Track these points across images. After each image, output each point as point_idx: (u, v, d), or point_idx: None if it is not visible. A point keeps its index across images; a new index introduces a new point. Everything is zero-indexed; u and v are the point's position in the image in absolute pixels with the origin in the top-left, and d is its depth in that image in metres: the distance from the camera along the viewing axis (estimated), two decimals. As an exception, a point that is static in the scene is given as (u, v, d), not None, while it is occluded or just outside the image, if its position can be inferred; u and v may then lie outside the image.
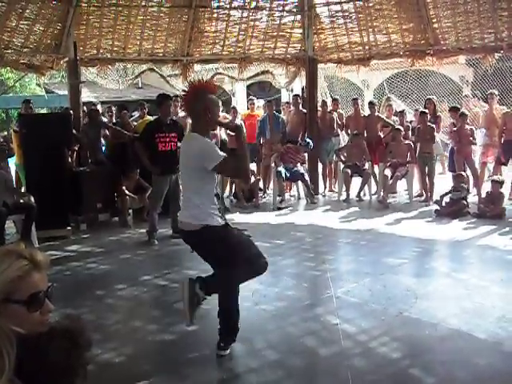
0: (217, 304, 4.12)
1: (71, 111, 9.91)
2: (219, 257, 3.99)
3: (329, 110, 11.77)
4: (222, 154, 3.90)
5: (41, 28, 10.27)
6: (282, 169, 10.42)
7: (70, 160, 9.41)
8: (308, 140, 10.94)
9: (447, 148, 11.37)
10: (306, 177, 10.56)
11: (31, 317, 1.55)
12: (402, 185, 10.98)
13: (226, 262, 3.95)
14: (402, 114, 11.40)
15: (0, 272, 1.52)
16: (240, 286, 4.13)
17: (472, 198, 9.60)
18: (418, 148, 10.39)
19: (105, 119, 10.81)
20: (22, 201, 7.93)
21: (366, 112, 11.67)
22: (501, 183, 9.15)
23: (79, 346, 1.59)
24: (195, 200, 3.97)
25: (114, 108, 11.38)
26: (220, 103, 4.01)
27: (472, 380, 3.71)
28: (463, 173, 9.50)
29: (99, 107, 12.06)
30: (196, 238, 3.98)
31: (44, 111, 18.48)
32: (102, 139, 10.14)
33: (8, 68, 11.65)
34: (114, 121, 10.79)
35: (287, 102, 13.84)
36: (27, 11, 9.96)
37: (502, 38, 10.17)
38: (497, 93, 10.81)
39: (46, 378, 1.50)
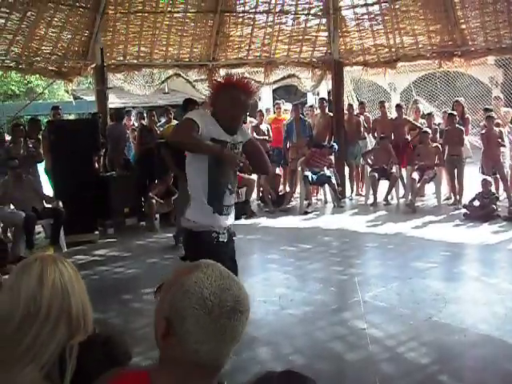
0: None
1: (99, 115, 10.02)
2: None
3: (355, 114, 11.71)
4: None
5: (69, 35, 10.43)
6: (308, 173, 10.37)
7: (97, 165, 9.50)
8: (333, 143, 10.89)
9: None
10: (333, 180, 10.49)
11: None
12: (430, 188, 10.86)
13: None
14: (430, 116, 11.28)
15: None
16: (267, 290, 4.09)
17: (502, 202, 9.44)
18: (446, 151, 10.26)
19: (136, 123, 10.94)
20: (50, 206, 8.03)
21: (393, 115, 11.57)
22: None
23: (117, 359, 1.59)
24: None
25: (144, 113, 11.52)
26: (248, 107, 3.61)
27: (503, 387, 3.64)
28: (489, 178, 9.34)
29: (133, 113, 12.23)
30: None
31: (72, 117, 18.73)
32: (129, 142, 10.25)
33: (37, 75, 11.80)
34: (143, 124, 10.88)
35: (311, 106, 13.79)
36: (55, 19, 10.11)
37: (532, 37, 9.99)
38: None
39: None
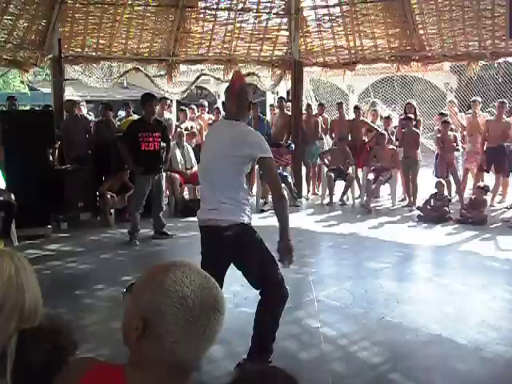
0: None
1: (51, 108, 9.81)
2: (258, 264, 3.66)
3: (314, 114, 11.79)
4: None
5: (25, 24, 10.12)
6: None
7: (51, 158, 9.30)
8: (290, 142, 10.94)
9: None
10: (290, 180, 10.53)
11: None
12: (385, 189, 11.01)
13: (265, 274, 3.64)
14: (388, 119, 11.46)
15: None
16: (222, 287, 4.06)
17: (454, 204, 9.65)
18: (401, 153, 10.43)
19: (90, 117, 10.73)
20: (1, 198, 7.82)
21: (351, 116, 11.69)
22: (485, 190, 9.24)
23: (63, 350, 1.56)
24: (230, 193, 3.62)
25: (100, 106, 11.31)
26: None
27: (452, 385, 3.71)
28: (443, 180, 9.53)
29: (83, 105, 11.98)
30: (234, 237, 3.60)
31: (27, 109, 18.29)
32: (86, 135, 10.07)
33: (-9, 64, 11.48)
34: (98, 119, 10.71)
35: (271, 105, 13.83)
36: (11, 6, 9.81)
37: (485, 46, 10.24)
38: (480, 100, 10.90)
39: (24, 378, 1.47)
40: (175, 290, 1.24)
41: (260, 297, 3.74)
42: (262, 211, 10.02)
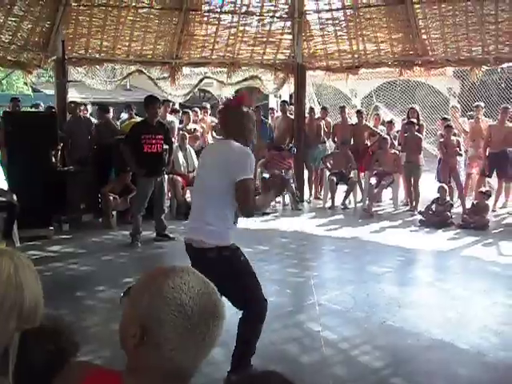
0: None
1: (53, 110, 9.83)
2: (242, 287, 3.58)
3: (317, 118, 11.79)
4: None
5: (29, 25, 10.16)
6: (266, 175, 10.39)
7: (54, 159, 9.31)
8: (292, 145, 10.95)
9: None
10: (292, 183, 10.53)
11: None
12: (387, 194, 11.00)
13: (250, 296, 3.60)
14: (390, 123, 11.46)
15: None
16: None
17: (456, 209, 9.64)
18: (404, 157, 10.43)
19: (94, 120, 10.74)
20: (4, 199, 7.83)
21: (354, 120, 11.70)
22: (487, 195, 9.24)
23: (65, 351, 1.56)
24: (216, 212, 3.54)
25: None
26: (254, 118, 3.78)
27: (453, 390, 3.70)
28: (445, 185, 9.52)
29: (89, 107, 12.00)
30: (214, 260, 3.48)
31: (30, 110, 18.27)
32: (88, 137, 10.08)
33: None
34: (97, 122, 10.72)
35: (271, 108, 13.83)
36: (15, 8, 9.85)
37: (489, 51, 10.25)
38: (483, 105, 10.90)
39: (26, 378, 1.47)
40: (173, 297, 1.22)
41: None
42: (264, 214, 10.02)
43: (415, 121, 10.52)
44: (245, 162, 3.47)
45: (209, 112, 12.78)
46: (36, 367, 1.49)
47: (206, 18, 11.56)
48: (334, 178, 10.60)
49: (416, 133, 10.30)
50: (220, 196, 3.51)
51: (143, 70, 11.58)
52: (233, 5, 11.45)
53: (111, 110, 10.94)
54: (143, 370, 1.26)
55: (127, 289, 1.34)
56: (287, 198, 10.94)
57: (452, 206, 9.41)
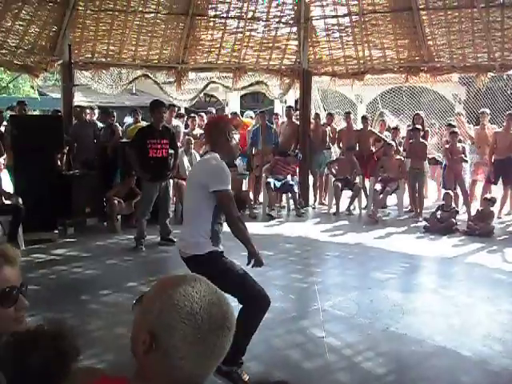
0: None
1: (60, 113, 9.87)
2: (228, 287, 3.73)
3: (322, 123, 11.80)
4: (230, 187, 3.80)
5: (36, 29, 10.24)
6: (271, 179, 10.41)
7: (59, 163, 9.34)
8: (297, 151, 10.96)
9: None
10: (295, 189, 10.53)
11: (5, 313, 1.53)
12: (392, 200, 10.99)
13: (240, 295, 3.69)
14: (396, 129, 11.46)
15: None
16: (226, 294, 4.04)
17: (461, 216, 9.62)
18: (408, 164, 10.42)
19: (100, 124, 10.79)
20: (9, 202, 7.86)
21: (359, 126, 11.70)
22: (492, 202, 9.22)
23: (66, 355, 1.56)
24: (195, 228, 3.81)
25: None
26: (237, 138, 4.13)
27: (456, 398, 3.69)
28: (451, 192, 9.51)
29: (96, 112, 12.04)
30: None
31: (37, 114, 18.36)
32: (94, 141, 10.13)
33: (1, 68, 11.57)
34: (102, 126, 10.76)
35: (275, 113, 13.84)
36: (23, 12, 9.92)
37: (494, 57, 10.26)
38: (488, 112, 10.88)
39: (25, 383, 1.47)
40: (184, 306, 1.22)
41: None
42: (269, 216, 10.04)
43: (420, 127, 10.51)
44: (219, 174, 3.76)
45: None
46: (36, 371, 1.48)
47: (212, 23, 11.60)
48: (339, 184, 10.59)
49: (421, 139, 10.29)
50: (198, 216, 3.82)
51: (149, 74, 11.63)
52: (239, 10, 11.49)
53: (115, 113, 10.98)
54: (151, 378, 1.26)
55: (140, 296, 1.34)
56: (292, 204, 10.94)
57: (457, 212, 9.40)
